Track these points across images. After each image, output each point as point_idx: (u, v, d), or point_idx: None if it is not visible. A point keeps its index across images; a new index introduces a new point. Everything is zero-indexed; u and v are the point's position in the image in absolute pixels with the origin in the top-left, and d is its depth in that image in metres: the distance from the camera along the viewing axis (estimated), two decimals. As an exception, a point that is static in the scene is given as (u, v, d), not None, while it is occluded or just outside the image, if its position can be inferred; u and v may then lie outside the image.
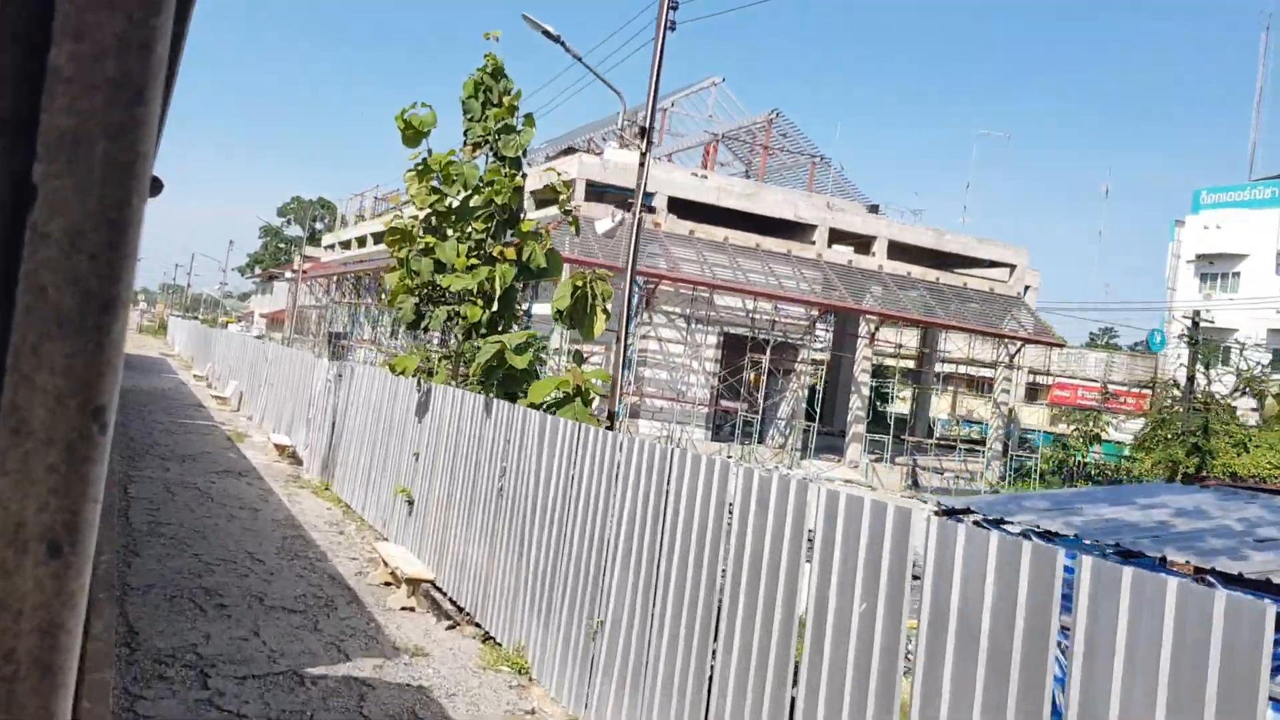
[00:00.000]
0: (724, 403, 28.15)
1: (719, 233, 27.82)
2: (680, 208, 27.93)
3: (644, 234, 24.41)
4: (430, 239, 11.31)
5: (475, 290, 10.94)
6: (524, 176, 11.32)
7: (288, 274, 52.23)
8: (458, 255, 11.08)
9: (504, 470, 8.53)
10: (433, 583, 8.95)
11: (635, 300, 27.03)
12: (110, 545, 9.33)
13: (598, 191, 27.05)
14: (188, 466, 15.38)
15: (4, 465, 0.67)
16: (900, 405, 39.37)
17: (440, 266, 11.36)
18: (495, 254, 11.05)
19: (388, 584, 9.50)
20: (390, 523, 11.69)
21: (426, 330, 11.23)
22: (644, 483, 6.36)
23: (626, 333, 13.30)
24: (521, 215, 11.39)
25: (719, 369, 27.65)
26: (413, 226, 11.73)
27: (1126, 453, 37.93)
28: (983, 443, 34.88)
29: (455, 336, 11.43)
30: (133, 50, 0.69)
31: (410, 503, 11.03)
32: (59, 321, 0.68)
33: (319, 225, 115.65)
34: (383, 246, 49.52)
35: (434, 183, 11.51)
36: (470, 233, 11.39)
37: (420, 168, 11.56)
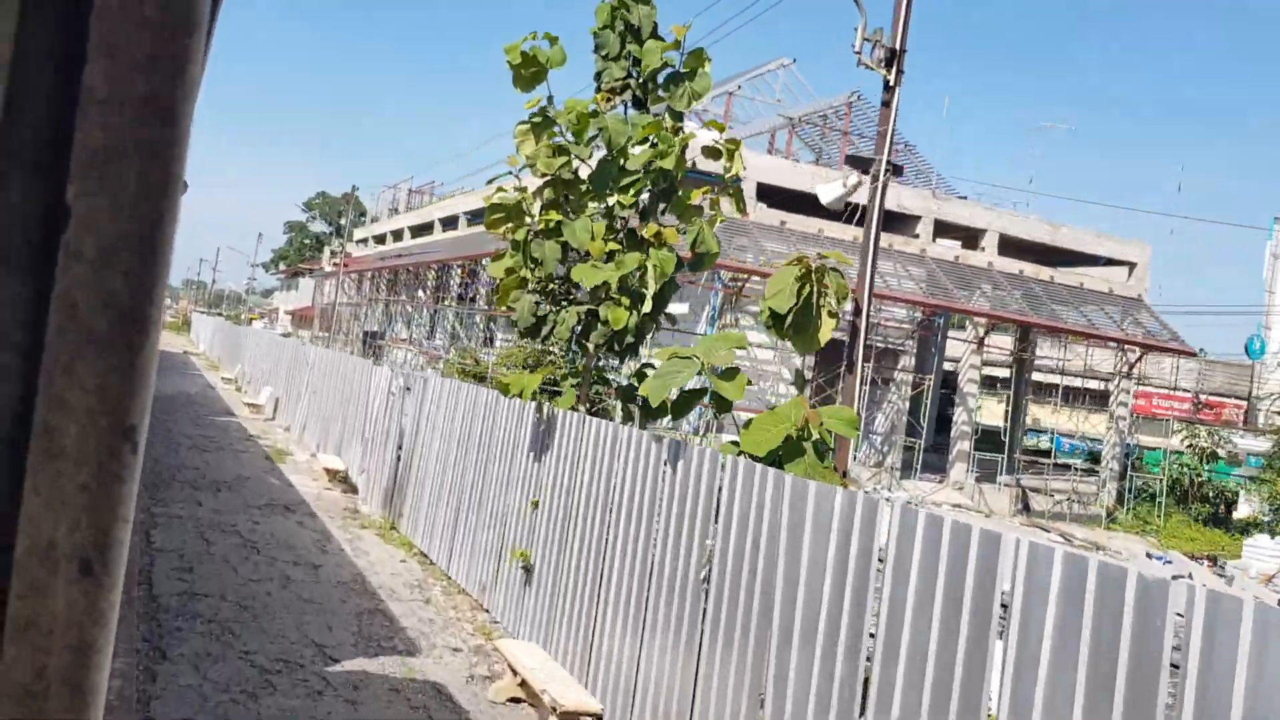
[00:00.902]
0: (817, 416, 25.21)
1: (813, 224, 24.97)
2: (770, 196, 25.10)
3: (730, 225, 21.67)
4: (553, 215, 8.57)
5: (618, 286, 8.19)
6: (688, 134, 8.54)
7: (327, 267, 49.78)
8: (592, 238, 8.33)
9: (709, 554, 5.77)
10: (599, 717, 6.17)
11: (719, 298, 24.25)
12: (128, 643, 6.65)
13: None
14: (224, 499, 12.74)
15: (36, 485, 0.69)
16: (986, 418, 36.32)
17: (565, 253, 8.63)
18: (647, 237, 8.29)
19: (515, 701, 6.77)
20: (494, 591, 8.97)
21: (545, 340, 8.49)
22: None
23: (860, 343, 10.52)
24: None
25: (811, 377, 24.77)
26: (523, 200, 8.99)
27: (1238, 471, 34.68)
28: (1092, 461, 31.80)
29: (585, 348, 8.68)
30: (165, 69, 0.71)
31: (528, 569, 8.30)
32: (91, 341, 0.70)
33: (345, 221, 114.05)
34: (420, 240, 47.11)
35: (558, 139, 8.77)
36: (612, 208, 8.64)
37: (537, 120, 8.82)
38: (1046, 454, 33.53)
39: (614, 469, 7.18)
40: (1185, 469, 32.72)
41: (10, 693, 0.69)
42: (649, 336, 8.48)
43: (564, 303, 8.70)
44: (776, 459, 6.07)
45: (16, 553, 0.69)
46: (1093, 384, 35.04)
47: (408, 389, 13.42)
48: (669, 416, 9.10)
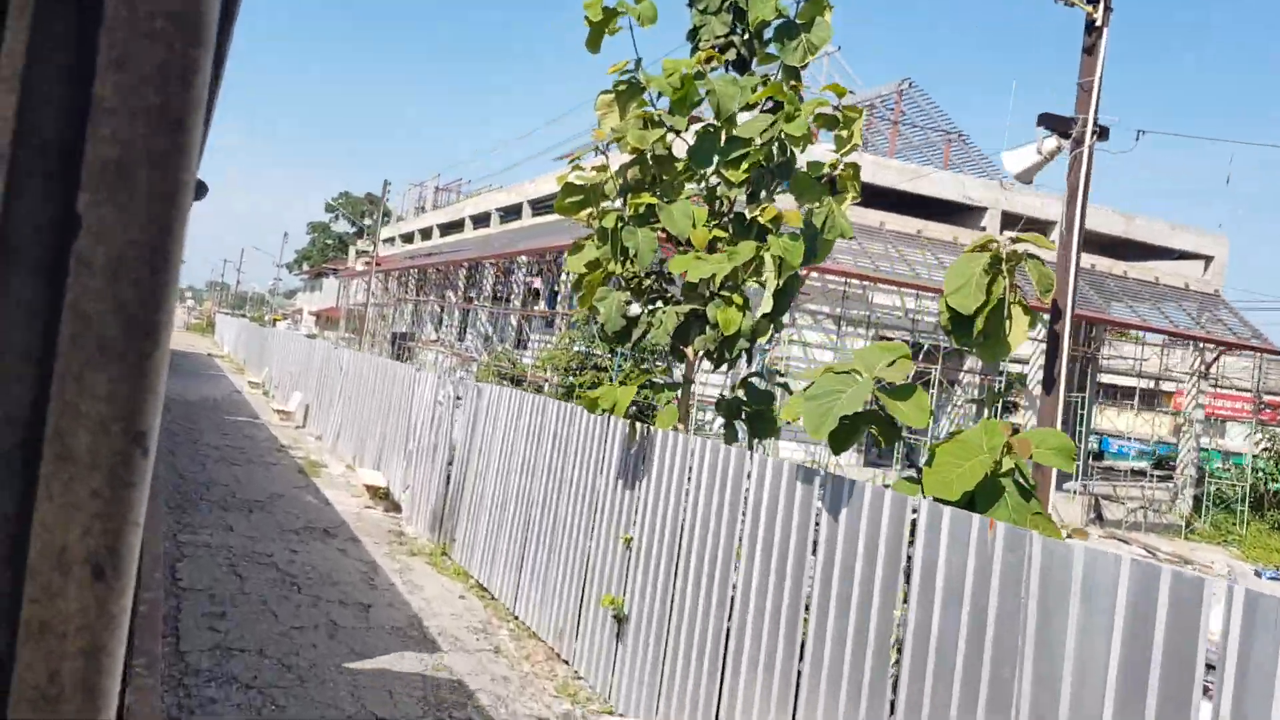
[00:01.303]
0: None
1: (873, 216, 23.54)
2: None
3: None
4: (644, 198, 7.27)
5: (729, 280, 6.90)
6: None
7: (357, 266, 48.70)
8: (694, 224, 7.04)
9: (896, 630, 4.45)
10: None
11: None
12: (149, 727, 5.41)
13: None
14: (256, 521, 11.54)
15: (49, 490, 0.70)
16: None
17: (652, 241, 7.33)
18: (763, 221, 6.98)
19: (627, 795, 5.46)
20: (575, 640, 7.68)
21: (636, 345, 7.21)
22: None
23: (1063, 352, 9.17)
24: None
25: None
26: (605, 181, 7.70)
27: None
28: (1157, 465, 30.18)
29: (683, 355, 7.39)
30: (174, 80, 0.72)
31: (619, 619, 7.01)
32: (102, 349, 0.71)
33: (369, 220, 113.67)
34: (450, 239, 46.08)
35: (650, 108, 7.47)
36: (714, 188, 7.35)
37: (623, 87, 7.52)
38: (1099, 457, 31.95)
39: (739, 506, 5.87)
40: (1263, 474, 31.03)
41: (25, 695, 0.70)
42: (763, 341, 7.16)
43: (657, 301, 7.39)
44: (969, 501, 4.73)
45: (30, 557, 0.70)
46: (1144, 384, 33.37)
47: (458, 399, 12.17)
48: (772, 436, 7.83)
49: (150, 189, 0.71)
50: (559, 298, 29.75)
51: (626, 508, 7.24)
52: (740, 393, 7.63)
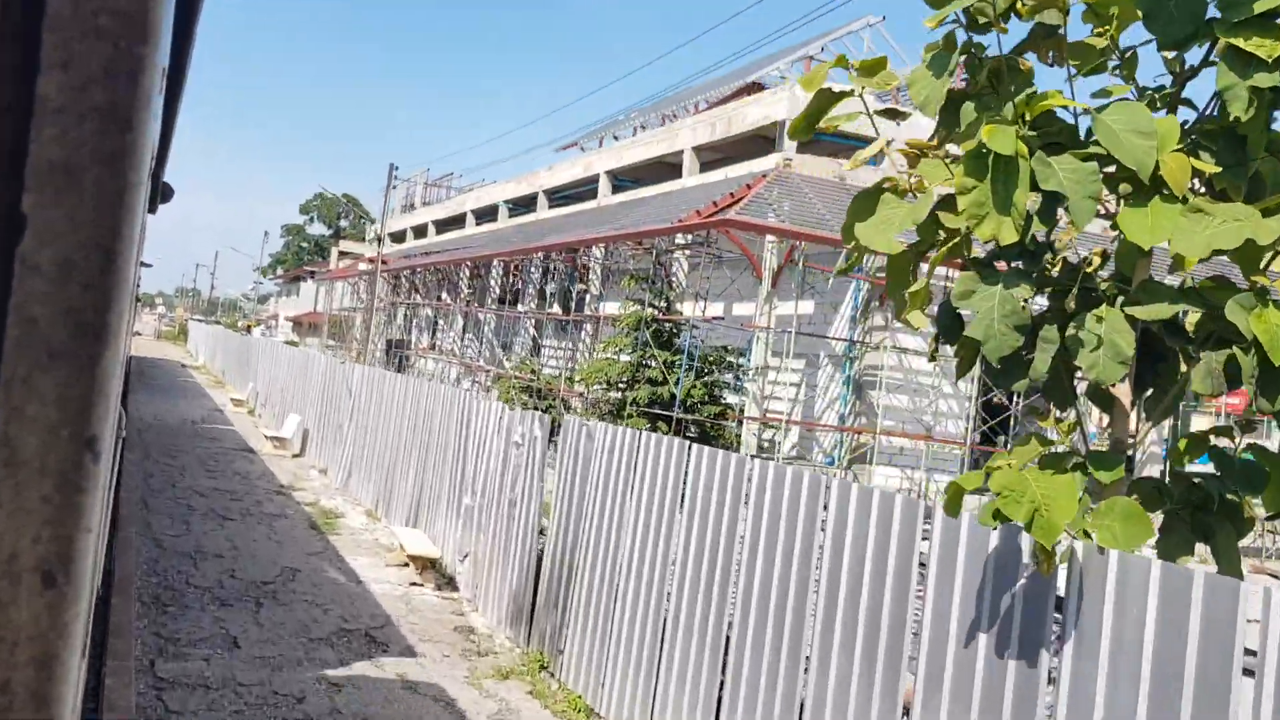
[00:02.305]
0: (983, 438, 20.63)
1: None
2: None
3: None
4: (1052, 97, 3.86)
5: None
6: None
7: (358, 265, 44.91)
8: (1159, 149, 3.63)
9: None
10: None
11: (864, 292, 19.55)
12: None
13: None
14: (269, 623, 8.07)
15: None
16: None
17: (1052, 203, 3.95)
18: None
19: None
20: None
21: (1062, 398, 3.81)
22: None
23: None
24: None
25: (976, 391, 20.12)
26: (919, 78, 4.32)
27: None
28: None
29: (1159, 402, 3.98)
30: (121, 78, 0.72)
31: None
32: (50, 353, 0.71)
33: (344, 222, 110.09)
34: (449, 236, 42.46)
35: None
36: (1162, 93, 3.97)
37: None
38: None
39: None
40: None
41: None
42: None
43: (1098, 301, 3.98)
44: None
45: None
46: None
47: (552, 441, 8.76)
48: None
49: (98, 189, 0.71)
50: (588, 298, 26.30)
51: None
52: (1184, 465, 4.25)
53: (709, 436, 18.87)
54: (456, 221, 41.22)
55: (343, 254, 67.43)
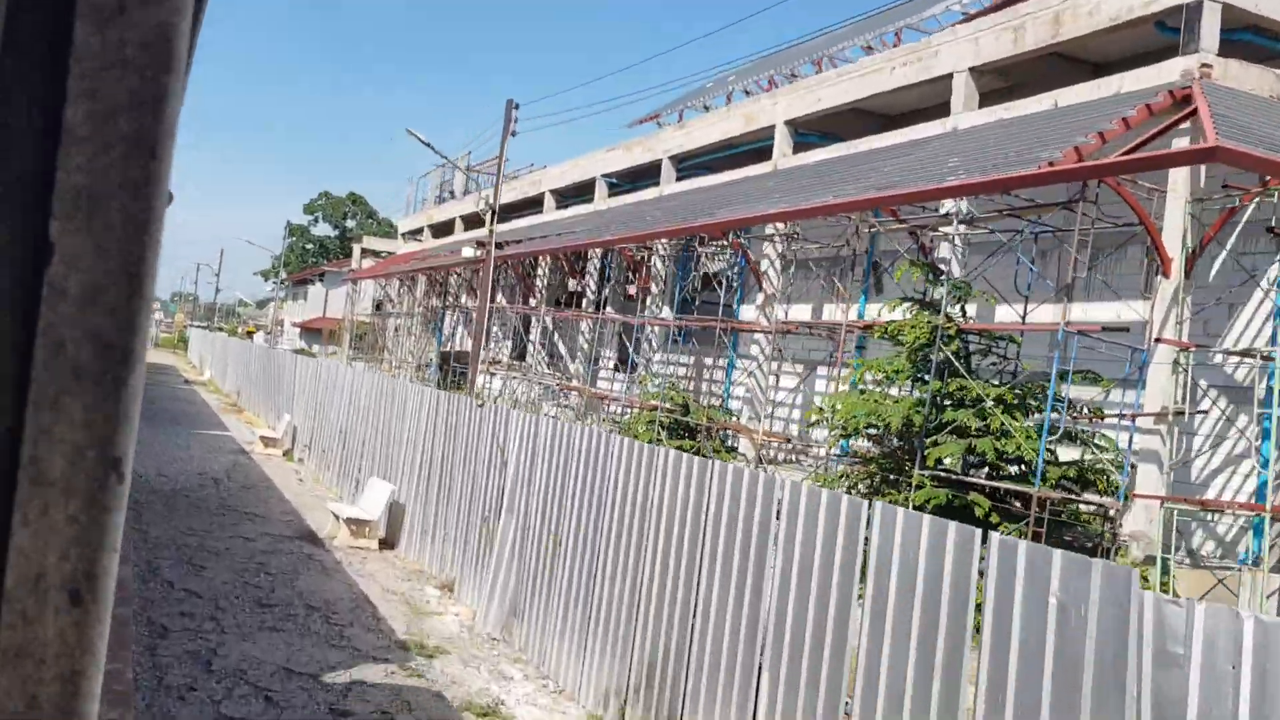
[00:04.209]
0: None
1: None
2: None
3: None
4: None
5: None
6: None
7: (398, 264, 37.81)
8: None
9: None
10: None
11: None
12: None
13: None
14: None
15: (25, 516, 0.72)
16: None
17: None
18: None
19: None
20: None
21: None
22: None
23: None
24: None
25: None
26: None
27: None
28: None
29: None
30: (146, 107, 0.74)
31: None
32: (77, 375, 0.73)
33: (350, 222, 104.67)
34: (522, 223, 35.49)
35: None
36: None
37: None
38: None
39: None
40: None
41: None
42: None
43: None
44: None
45: (6, 583, 0.72)
46: None
47: None
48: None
49: (123, 217, 0.73)
50: (745, 293, 19.32)
51: None
52: None
53: (1060, 526, 11.94)
54: (525, 206, 34.43)
55: (366, 251, 60.66)
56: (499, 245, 20.25)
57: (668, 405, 19.08)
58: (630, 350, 24.31)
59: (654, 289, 23.09)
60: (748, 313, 21.42)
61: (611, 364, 26.45)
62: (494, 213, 19.93)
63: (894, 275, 13.38)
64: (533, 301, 29.88)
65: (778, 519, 6.18)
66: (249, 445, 21.49)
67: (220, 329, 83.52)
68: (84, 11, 0.72)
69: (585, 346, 26.67)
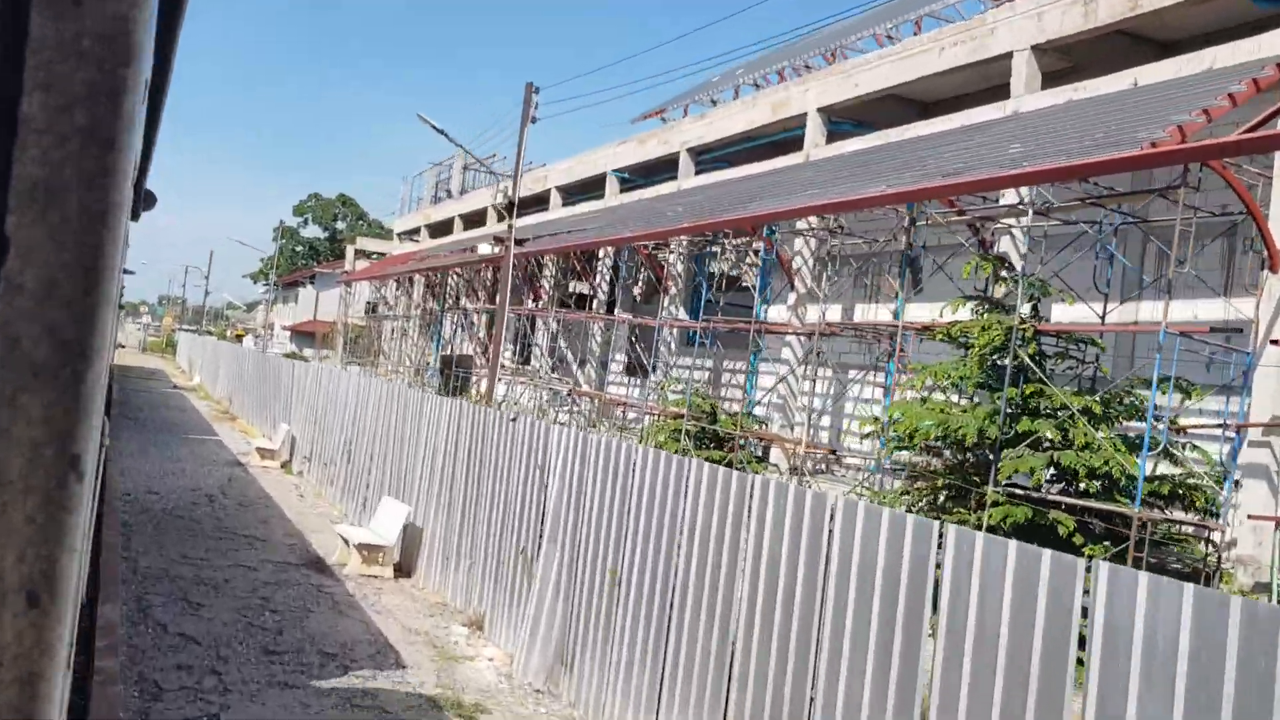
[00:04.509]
0: None
1: None
2: None
3: None
4: None
5: None
6: None
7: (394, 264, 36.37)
8: None
9: None
10: None
11: None
12: None
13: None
14: None
15: None
16: None
17: None
18: None
19: None
20: None
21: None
22: None
23: None
24: None
25: None
26: None
27: None
28: None
29: None
30: (103, 100, 0.73)
31: None
32: (34, 372, 0.71)
33: (340, 224, 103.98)
34: (535, 219, 34.29)
35: None
36: None
37: None
38: None
39: None
40: None
41: None
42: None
43: None
44: None
45: None
46: None
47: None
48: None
49: (81, 210, 0.71)
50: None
51: None
52: None
53: (1154, 547, 10.81)
54: (528, 204, 33.22)
55: (360, 253, 59.39)
56: (518, 242, 18.99)
57: (693, 412, 17.87)
58: (645, 354, 23.12)
59: (672, 289, 21.89)
60: (772, 313, 20.24)
61: (622, 368, 25.24)
62: (514, 205, 18.67)
63: (961, 272, 12.18)
64: (535, 302, 28.62)
65: (938, 567, 4.99)
66: (244, 457, 20.20)
67: (209, 332, 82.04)
68: (41, 3, 0.71)
69: (596, 349, 25.44)
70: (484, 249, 23.06)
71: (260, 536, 12.66)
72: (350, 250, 60.03)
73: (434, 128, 18.57)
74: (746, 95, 24.89)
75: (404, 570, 11.70)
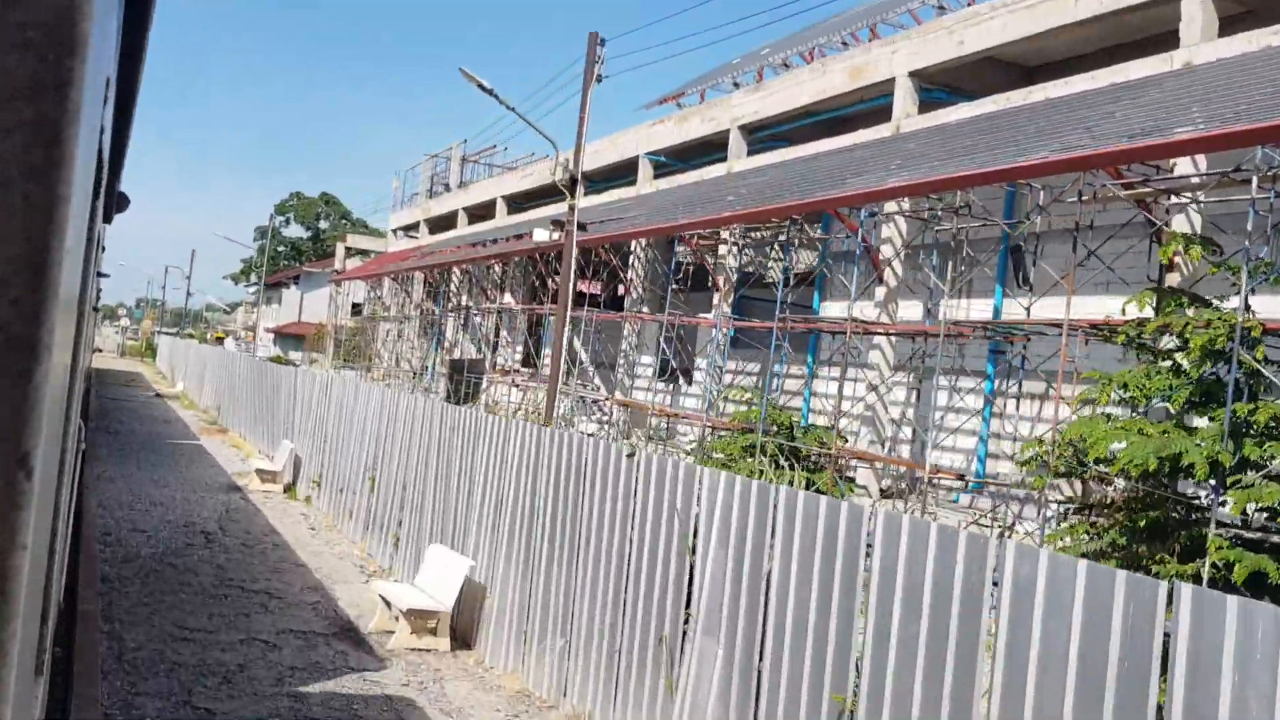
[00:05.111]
0: None
1: None
2: None
3: None
4: None
5: None
6: None
7: (393, 263, 33.82)
8: None
9: None
10: None
11: None
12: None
13: None
14: None
15: None
16: None
17: None
18: None
19: None
20: None
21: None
22: None
23: None
24: None
25: None
26: None
27: None
28: None
29: None
30: (49, 92, 0.70)
31: None
32: None
33: (323, 223, 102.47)
34: (535, 213, 31.78)
35: None
36: None
37: None
38: None
39: None
40: None
41: None
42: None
43: None
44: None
45: None
46: None
47: None
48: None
49: (26, 204, 0.69)
50: (824, 288, 15.73)
51: None
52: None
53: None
54: (542, 195, 30.78)
55: (351, 250, 56.75)
56: (581, 227, 16.43)
57: (764, 425, 15.47)
58: (685, 357, 20.72)
59: (721, 284, 19.48)
60: (829, 309, 17.92)
61: (653, 373, 22.85)
62: (575, 180, 16.05)
63: (1160, 254, 9.83)
64: (552, 301, 26.17)
65: None
66: (241, 479, 17.66)
67: (191, 336, 79.23)
68: None
69: (630, 352, 23.02)
70: (540, 235, 20.54)
71: (274, 592, 10.19)
72: (341, 248, 57.35)
73: (480, 86, 16.11)
74: (770, 80, 22.51)
75: (460, 638, 9.25)
